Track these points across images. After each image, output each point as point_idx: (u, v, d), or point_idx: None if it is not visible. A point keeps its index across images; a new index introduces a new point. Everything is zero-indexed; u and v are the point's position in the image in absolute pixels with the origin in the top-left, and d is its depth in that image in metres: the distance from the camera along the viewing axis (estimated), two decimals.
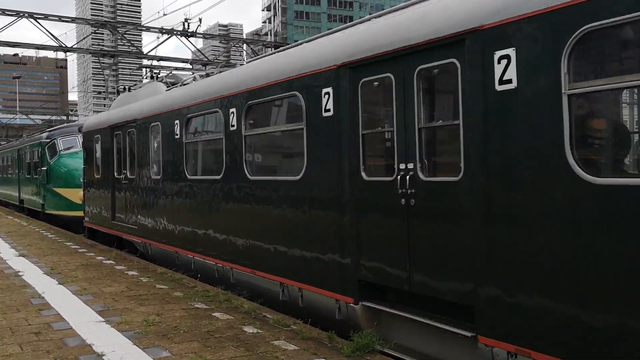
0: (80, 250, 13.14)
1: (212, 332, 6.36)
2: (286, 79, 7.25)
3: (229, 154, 8.55)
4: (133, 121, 12.26)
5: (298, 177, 6.98)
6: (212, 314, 7.15)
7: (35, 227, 19.29)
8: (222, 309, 7.44)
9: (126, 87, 16.04)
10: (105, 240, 14.64)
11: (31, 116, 56.16)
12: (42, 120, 54.79)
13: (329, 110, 6.45)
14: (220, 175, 8.78)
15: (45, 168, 20.90)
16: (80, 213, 17.41)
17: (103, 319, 6.91)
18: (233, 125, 8.42)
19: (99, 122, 14.85)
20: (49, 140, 21.35)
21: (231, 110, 8.47)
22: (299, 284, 7.03)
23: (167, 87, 12.40)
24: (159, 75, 13.97)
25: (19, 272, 10.29)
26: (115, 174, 13.46)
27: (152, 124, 11.28)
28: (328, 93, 6.45)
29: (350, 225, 6.14)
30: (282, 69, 7.43)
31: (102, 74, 39.93)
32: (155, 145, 11.25)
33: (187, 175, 9.92)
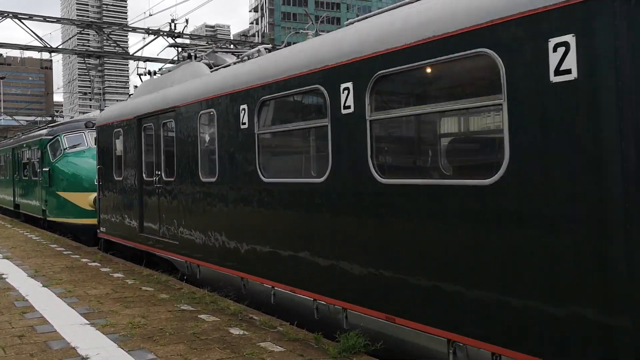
0: (65, 253, 13.02)
1: (198, 334, 6.34)
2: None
3: (339, 146, 6.02)
4: (171, 110, 9.93)
5: (492, 181, 4.53)
6: (199, 316, 7.11)
7: (20, 229, 19.09)
8: (208, 310, 7.41)
9: (150, 70, 13.75)
10: (126, 255, 12.31)
11: (16, 117, 55.63)
12: (26, 121, 54.30)
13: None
14: (324, 178, 6.24)
15: (47, 169, 18.14)
16: (89, 221, 15.48)
17: (88, 322, 6.86)
18: (348, 107, 5.90)
19: (121, 114, 12.40)
20: (51, 137, 18.53)
21: (345, 85, 5.94)
22: None
23: (211, 68, 10.21)
24: (193, 55, 11.14)
25: (3, 274, 10.17)
26: (144, 175, 11.18)
27: (202, 112, 8.95)
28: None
29: None
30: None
31: (88, 75, 39.55)
32: (207, 138, 8.93)
33: (263, 177, 7.37)
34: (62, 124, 20.06)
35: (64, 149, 17.77)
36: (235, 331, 6.43)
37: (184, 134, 9.54)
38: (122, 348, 5.83)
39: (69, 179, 16.98)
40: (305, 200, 6.59)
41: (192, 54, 11.12)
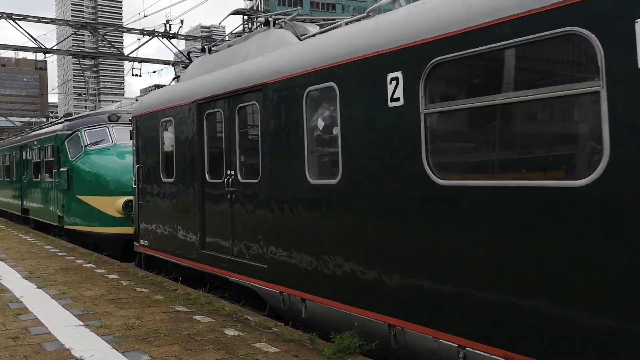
0: (59, 254, 12.98)
1: (193, 335, 6.33)
2: None
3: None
4: (254, 89, 7.58)
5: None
6: (193, 317, 7.11)
7: (14, 230, 19.03)
8: (203, 311, 7.40)
9: (205, 46, 10.49)
10: (178, 276, 10.07)
11: (10, 118, 55.44)
12: (21, 122, 54.14)
13: None
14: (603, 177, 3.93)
15: (64, 169, 15.49)
16: (118, 230, 13.44)
17: (82, 323, 6.84)
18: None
19: (170, 99, 9.95)
20: (69, 132, 15.88)
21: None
22: None
23: (297, 37, 7.94)
24: (272, 22, 8.58)
25: None
26: (207, 176, 8.80)
27: (311, 89, 6.60)
28: None
29: None
30: None
31: (83, 76, 39.48)
32: (320, 124, 6.63)
33: (436, 178, 5.07)
34: (81, 117, 16.98)
35: (85, 146, 15.18)
36: (230, 332, 6.43)
37: (277, 119, 7.12)
38: (116, 349, 5.82)
39: (92, 181, 14.49)
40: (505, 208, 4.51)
41: (270, 20, 8.58)
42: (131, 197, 12.47)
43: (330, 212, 6.32)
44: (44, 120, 44.73)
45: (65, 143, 15.82)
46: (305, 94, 6.71)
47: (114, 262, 11.76)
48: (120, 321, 6.90)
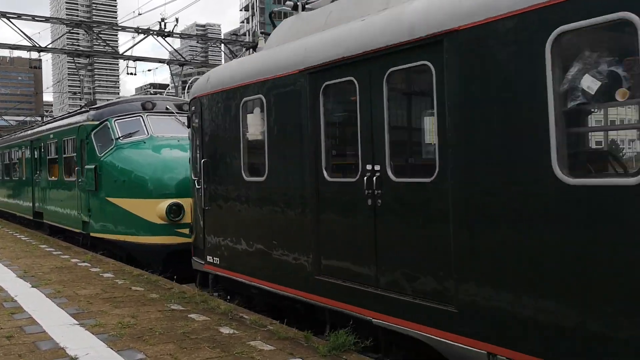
0: (54, 253, 12.95)
1: (188, 333, 6.33)
2: None
3: None
4: (427, 41, 5.08)
5: None
6: (189, 316, 7.11)
7: (8, 229, 18.97)
8: (198, 310, 7.40)
9: (298, 2, 7.87)
10: (264, 306, 7.84)
11: (5, 117, 55.23)
12: (16, 121, 53.91)
13: None
14: None
15: (91, 167, 13.00)
16: (160, 239, 11.14)
17: (77, 322, 6.83)
18: None
19: (258, 71, 7.47)
20: (96, 123, 13.30)
21: None
22: None
23: None
24: None
25: None
26: (324, 173, 6.38)
27: (564, 30, 4.02)
28: None
29: None
30: None
31: (78, 75, 39.31)
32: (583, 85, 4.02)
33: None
34: (109, 105, 14.14)
35: (116, 139, 12.63)
36: (226, 330, 6.43)
37: (481, 84, 4.64)
38: (111, 348, 5.81)
39: (127, 181, 11.97)
40: None
41: None
42: (176, 200, 11.02)
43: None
44: (39, 119, 44.21)
45: (92, 136, 13.26)
46: (550, 41, 4.08)
47: (109, 261, 11.74)
48: (115, 320, 6.90)
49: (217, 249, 8.30)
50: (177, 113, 13.07)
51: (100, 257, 12.28)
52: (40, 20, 25.49)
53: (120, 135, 12.68)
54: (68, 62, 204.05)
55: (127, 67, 28.42)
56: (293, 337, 6.14)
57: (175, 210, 11.05)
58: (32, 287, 8.99)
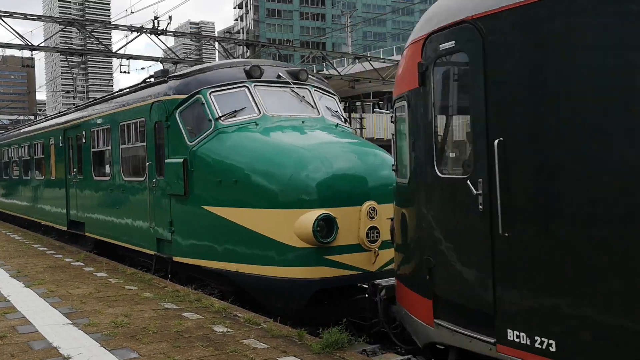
0: (48, 252, 12.91)
1: (182, 332, 6.32)
2: None
3: None
4: None
5: None
6: (182, 314, 7.10)
7: (1, 228, 18.89)
8: (192, 309, 7.39)
9: None
10: None
11: None
12: (9, 120, 53.69)
13: None
14: None
15: (176, 160, 9.04)
16: (301, 272, 7.20)
17: (70, 322, 6.81)
18: None
19: None
20: (184, 97, 9.14)
21: None
22: None
23: None
24: None
25: None
26: None
27: None
28: None
29: None
30: None
31: (71, 73, 39.12)
32: None
33: None
34: (199, 71, 9.58)
35: (215, 120, 8.60)
36: (219, 329, 6.43)
37: None
38: (104, 347, 5.80)
39: (243, 181, 7.87)
40: None
41: None
42: (326, 211, 7.13)
43: None
44: (32, 118, 43.46)
45: (177, 116, 9.13)
46: None
47: (103, 259, 11.70)
48: (108, 319, 6.88)
49: (544, 318, 3.92)
50: (293, 83, 9.25)
51: (94, 256, 12.24)
52: (33, 19, 25.37)
53: (220, 115, 8.60)
54: (61, 60, 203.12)
55: (121, 65, 28.29)
56: (287, 335, 6.15)
57: (325, 226, 7.13)
58: (25, 286, 8.95)
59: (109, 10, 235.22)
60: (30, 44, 24.84)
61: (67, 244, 14.52)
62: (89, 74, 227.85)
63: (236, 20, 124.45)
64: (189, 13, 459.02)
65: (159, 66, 27.44)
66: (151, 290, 8.55)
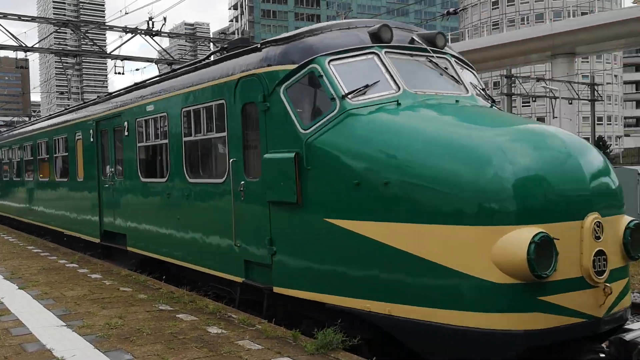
0: (42, 254, 12.87)
1: (176, 333, 6.32)
2: None
3: None
4: None
5: None
6: (177, 316, 7.09)
7: None
8: (186, 310, 7.39)
9: None
10: None
11: None
12: (3, 121, 53.46)
13: None
14: None
15: (284, 155, 6.48)
16: (506, 322, 4.82)
17: (64, 323, 6.80)
18: None
19: None
20: (292, 68, 6.60)
21: None
22: None
23: None
24: None
25: None
26: None
27: None
28: None
29: None
30: None
31: (65, 74, 39.01)
32: None
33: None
34: (309, 33, 6.97)
35: (340, 98, 6.20)
36: (214, 330, 6.42)
37: None
38: (98, 349, 5.79)
39: (396, 185, 5.44)
40: None
41: None
42: (539, 228, 4.82)
43: None
44: (27, 119, 42.79)
45: (281, 94, 6.70)
46: None
47: (97, 261, 11.67)
48: (102, 321, 6.87)
49: None
50: (432, 51, 6.94)
51: (88, 258, 12.19)
52: (27, 20, 25.31)
53: (346, 92, 6.22)
54: (55, 61, 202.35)
55: (115, 66, 28.25)
56: (281, 336, 6.15)
57: (543, 252, 4.80)
58: (19, 288, 8.92)
59: (103, 11, 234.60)
60: (24, 45, 24.78)
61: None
62: (84, 75, 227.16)
63: (231, 21, 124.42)
64: (184, 13, 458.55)
65: (153, 67, 27.28)
66: (146, 292, 8.53)
